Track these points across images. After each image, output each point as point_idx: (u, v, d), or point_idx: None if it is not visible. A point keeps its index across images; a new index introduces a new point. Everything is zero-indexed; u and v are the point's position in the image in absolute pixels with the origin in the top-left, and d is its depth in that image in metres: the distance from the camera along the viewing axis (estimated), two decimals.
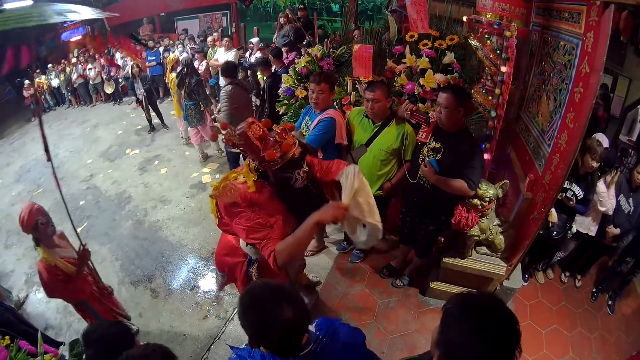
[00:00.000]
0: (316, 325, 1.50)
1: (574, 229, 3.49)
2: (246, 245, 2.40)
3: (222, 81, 5.63)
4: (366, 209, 2.07)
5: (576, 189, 3.26)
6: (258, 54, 7.15)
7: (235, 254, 2.58)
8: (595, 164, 3.15)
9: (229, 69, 5.20)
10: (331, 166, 2.26)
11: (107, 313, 3.06)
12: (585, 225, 3.55)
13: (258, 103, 5.95)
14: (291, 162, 1.92)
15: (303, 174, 2.00)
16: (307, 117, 3.30)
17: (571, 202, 3.27)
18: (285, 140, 1.90)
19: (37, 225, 2.65)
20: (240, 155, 5.98)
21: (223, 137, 1.98)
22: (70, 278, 2.72)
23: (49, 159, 2.67)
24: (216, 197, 2.00)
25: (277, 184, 1.99)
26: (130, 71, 8.12)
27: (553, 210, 3.21)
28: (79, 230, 3.85)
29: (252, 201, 1.97)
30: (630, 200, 3.39)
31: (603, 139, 4.19)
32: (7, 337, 2.25)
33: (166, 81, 7.58)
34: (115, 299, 3.35)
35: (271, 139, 1.90)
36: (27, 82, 11.44)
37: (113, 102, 11.06)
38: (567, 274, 3.96)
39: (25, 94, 11.33)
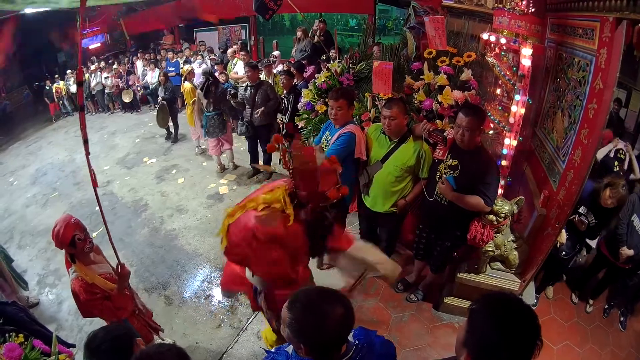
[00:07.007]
0: (354, 334, 1.52)
1: (583, 252, 3.44)
2: (252, 276, 2.39)
3: None
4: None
5: (591, 218, 3.23)
6: (280, 67, 7.24)
7: (241, 284, 2.56)
8: (610, 202, 3.11)
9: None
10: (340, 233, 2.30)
11: (144, 329, 2.88)
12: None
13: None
14: (338, 202, 2.01)
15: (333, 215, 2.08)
16: (327, 132, 3.35)
17: (583, 226, 3.25)
18: (341, 183, 1.98)
19: (74, 241, 2.38)
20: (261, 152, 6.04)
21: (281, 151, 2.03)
22: (110, 296, 2.51)
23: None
24: (258, 219, 2.01)
25: (314, 220, 2.03)
26: (157, 78, 8.21)
27: (563, 230, 3.18)
28: (94, 235, 3.84)
29: (277, 237, 1.98)
30: None
31: (620, 144, 4.17)
32: (20, 335, 2.23)
33: (181, 90, 7.69)
34: (150, 312, 3.20)
35: (330, 177, 1.96)
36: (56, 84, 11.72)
37: (131, 111, 11.17)
38: (577, 293, 3.86)
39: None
